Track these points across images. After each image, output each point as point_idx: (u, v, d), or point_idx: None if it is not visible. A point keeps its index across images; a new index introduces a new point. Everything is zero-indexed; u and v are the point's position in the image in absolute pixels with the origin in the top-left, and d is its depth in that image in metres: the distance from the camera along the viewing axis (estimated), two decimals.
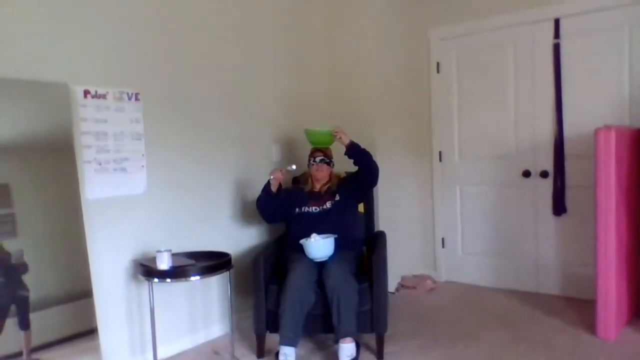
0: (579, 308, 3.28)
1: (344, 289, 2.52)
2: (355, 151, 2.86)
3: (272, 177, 2.84)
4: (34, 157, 2.36)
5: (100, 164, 2.49)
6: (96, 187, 2.47)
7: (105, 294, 2.52)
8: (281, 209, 2.95)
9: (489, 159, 3.84)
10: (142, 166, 2.67)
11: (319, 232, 2.77)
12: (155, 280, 2.44)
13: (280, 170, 2.84)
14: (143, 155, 2.67)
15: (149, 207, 2.72)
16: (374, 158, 2.92)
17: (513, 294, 3.70)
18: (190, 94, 2.93)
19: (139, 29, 2.67)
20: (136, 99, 2.64)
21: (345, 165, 3.02)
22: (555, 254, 3.61)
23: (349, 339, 2.51)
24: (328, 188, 2.98)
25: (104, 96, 2.51)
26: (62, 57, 2.36)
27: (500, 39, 3.72)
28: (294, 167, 2.87)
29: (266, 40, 3.43)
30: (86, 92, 2.44)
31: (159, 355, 2.67)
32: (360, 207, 3.17)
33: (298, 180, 3.26)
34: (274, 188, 2.86)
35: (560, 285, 3.59)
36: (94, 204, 2.46)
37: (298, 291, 2.54)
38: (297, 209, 2.94)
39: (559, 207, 3.53)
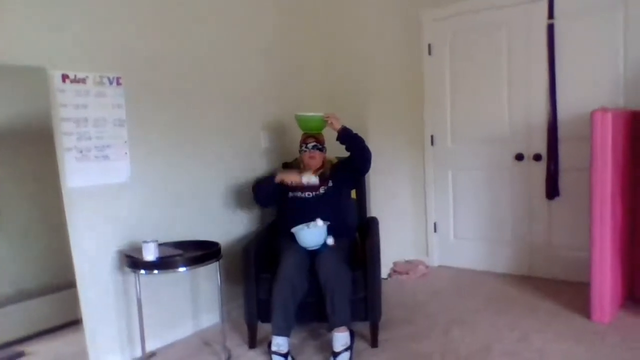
0: (572, 291, 3.27)
1: (337, 278, 2.46)
2: (347, 137, 2.78)
3: (284, 178, 2.82)
4: (11, 145, 2.26)
5: (81, 152, 2.39)
6: (78, 175, 2.37)
7: (89, 286, 2.44)
8: (276, 192, 2.90)
9: (481, 142, 3.79)
10: (125, 153, 2.56)
11: (312, 219, 2.71)
12: (142, 272, 2.35)
13: (297, 176, 2.81)
14: (126, 142, 2.56)
15: (134, 195, 2.62)
16: (366, 143, 2.85)
17: (506, 277, 3.69)
18: (175, 78, 2.81)
19: (118, 10, 2.53)
20: (117, 84, 2.52)
21: (337, 150, 2.94)
22: (548, 238, 3.59)
23: (343, 328, 2.45)
24: (321, 174, 2.90)
25: (83, 80, 2.39)
26: (38, 39, 2.23)
27: (493, 20, 3.64)
28: (313, 179, 2.80)
29: (254, 23, 3.31)
30: (64, 77, 2.32)
31: (148, 347, 2.61)
32: (352, 193, 3.11)
33: (290, 165, 3.17)
34: (277, 180, 2.82)
35: (553, 269, 3.58)
36: (75, 192, 2.36)
37: (290, 280, 2.47)
38: (290, 193, 2.86)
39: (552, 190, 3.50)
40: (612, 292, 2.80)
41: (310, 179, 2.77)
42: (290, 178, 2.80)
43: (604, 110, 2.68)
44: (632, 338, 2.58)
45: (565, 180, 3.46)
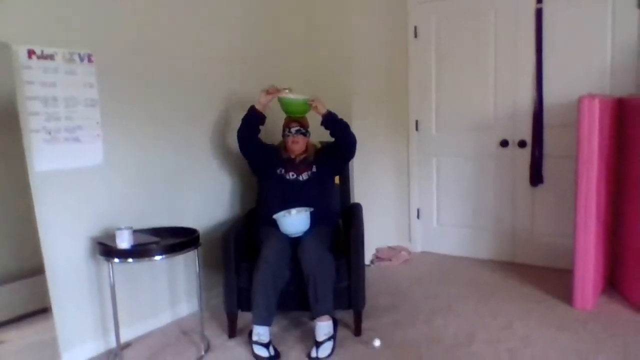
0: (555, 278, 3.27)
1: (320, 266, 2.39)
2: (332, 122, 2.69)
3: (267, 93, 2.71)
4: None
5: (49, 133, 2.24)
6: (46, 158, 2.23)
7: (60, 274, 2.32)
8: (261, 145, 2.82)
9: (466, 128, 3.74)
10: (98, 135, 2.42)
11: (295, 205, 2.62)
12: (116, 260, 2.24)
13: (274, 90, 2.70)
14: (98, 123, 2.42)
15: (107, 180, 2.49)
16: (351, 128, 2.76)
17: (489, 264, 3.68)
18: (151, 56, 2.67)
19: None
20: (89, 61, 2.37)
21: (320, 135, 2.85)
22: (531, 224, 3.58)
23: (326, 317, 2.39)
24: (304, 159, 2.81)
25: (51, 57, 2.24)
26: (1, 12, 2.06)
27: (481, 3, 3.56)
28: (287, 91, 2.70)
29: (234, 0, 3.17)
30: (31, 52, 2.17)
31: (124, 337, 2.52)
32: (336, 179, 3.03)
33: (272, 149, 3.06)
34: (261, 104, 2.72)
35: (536, 255, 3.58)
36: (43, 177, 2.22)
37: (272, 268, 2.40)
38: (278, 170, 2.76)
39: (536, 177, 3.49)
40: (595, 279, 2.80)
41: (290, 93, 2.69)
42: (270, 93, 2.70)
43: (592, 96, 2.64)
44: (614, 325, 2.59)
45: (549, 167, 3.45)
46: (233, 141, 3.12)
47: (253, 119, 2.75)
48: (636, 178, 2.78)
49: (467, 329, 2.62)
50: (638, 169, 2.75)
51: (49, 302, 2.31)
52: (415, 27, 3.83)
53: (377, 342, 2.44)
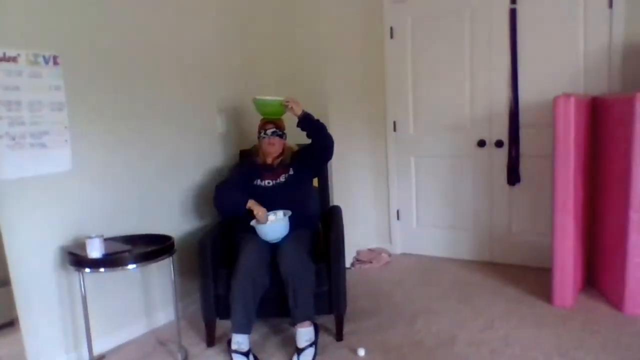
0: (533, 276, 3.29)
1: (300, 272, 2.34)
2: (308, 122, 2.64)
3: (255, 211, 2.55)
4: None
5: (13, 139, 2.14)
6: (10, 165, 2.12)
7: (27, 285, 2.21)
8: (243, 202, 2.62)
9: (444, 128, 3.74)
10: (66, 140, 2.32)
11: (273, 209, 2.57)
12: (87, 270, 2.15)
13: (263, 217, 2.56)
14: (66, 127, 2.32)
15: (77, 186, 2.39)
16: (328, 129, 2.72)
17: (468, 264, 3.69)
18: (121, 57, 2.58)
19: None
20: (55, 63, 2.28)
21: (297, 137, 2.81)
22: (509, 224, 3.60)
23: (306, 322, 2.34)
24: (281, 161, 2.76)
25: (14, 59, 2.14)
26: None
27: (456, 3, 3.56)
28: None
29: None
30: None
31: (98, 349, 2.43)
32: (315, 181, 2.98)
33: (248, 153, 3.00)
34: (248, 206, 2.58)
35: (514, 255, 3.60)
36: (7, 185, 2.12)
37: (250, 275, 2.33)
38: (253, 181, 2.70)
39: (513, 176, 3.50)
40: (574, 277, 2.82)
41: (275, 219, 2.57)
42: (259, 213, 2.55)
43: (567, 96, 2.66)
44: (593, 322, 2.60)
45: (526, 167, 3.47)
46: (209, 143, 3.06)
47: (238, 208, 2.62)
48: (611, 176, 2.82)
49: (449, 330, 2.61)
50: (613, 167, 2.79)
51: (15, 314, 2.21)
52: (391, 28, 3.82)
53: (361, 352, 2.39)
